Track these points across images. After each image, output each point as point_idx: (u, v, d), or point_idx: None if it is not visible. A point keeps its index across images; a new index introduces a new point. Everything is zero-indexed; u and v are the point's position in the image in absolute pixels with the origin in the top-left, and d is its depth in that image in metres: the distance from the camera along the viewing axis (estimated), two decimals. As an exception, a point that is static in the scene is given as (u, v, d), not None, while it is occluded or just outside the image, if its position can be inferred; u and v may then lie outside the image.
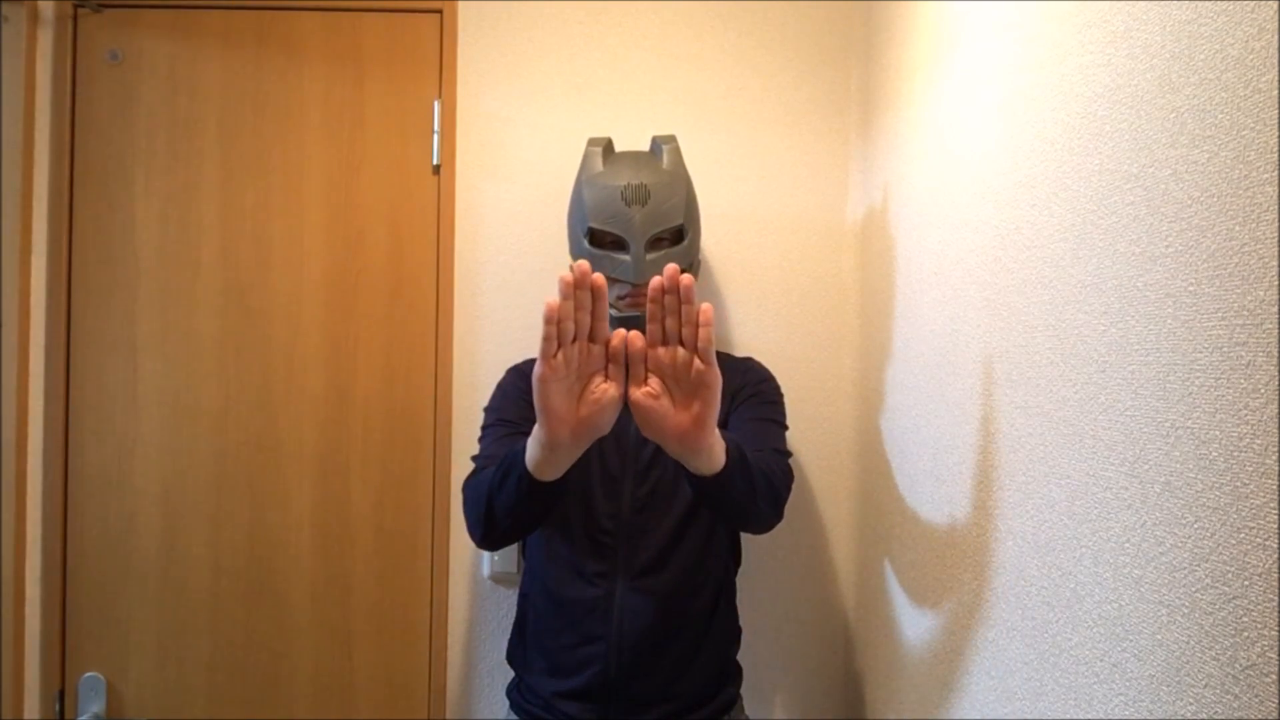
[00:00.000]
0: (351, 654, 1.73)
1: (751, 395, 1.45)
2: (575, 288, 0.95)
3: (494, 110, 1.75)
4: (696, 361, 0.97)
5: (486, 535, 1.24)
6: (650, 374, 0.99)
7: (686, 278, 0.97)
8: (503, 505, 1.16)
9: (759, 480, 1.16)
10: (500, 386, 1.48)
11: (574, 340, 0.97)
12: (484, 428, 1.42)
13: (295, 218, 1.73)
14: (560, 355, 0.96)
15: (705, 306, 0.98)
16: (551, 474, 1.09)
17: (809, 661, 1.75)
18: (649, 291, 0.98)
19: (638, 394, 0.99)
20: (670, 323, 0.98)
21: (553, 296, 0.94)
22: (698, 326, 0.97)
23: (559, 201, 1.57)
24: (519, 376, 1.47)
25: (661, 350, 0.99)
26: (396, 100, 1.74)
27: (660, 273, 1.41)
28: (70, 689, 1.71)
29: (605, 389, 0.99)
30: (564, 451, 1.05)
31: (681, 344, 0.98)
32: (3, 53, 1.66)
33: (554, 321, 0.95)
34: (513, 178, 1.75)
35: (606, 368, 0.99)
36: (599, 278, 0.96)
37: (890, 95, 1.55)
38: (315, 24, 1.74)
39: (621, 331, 0.99)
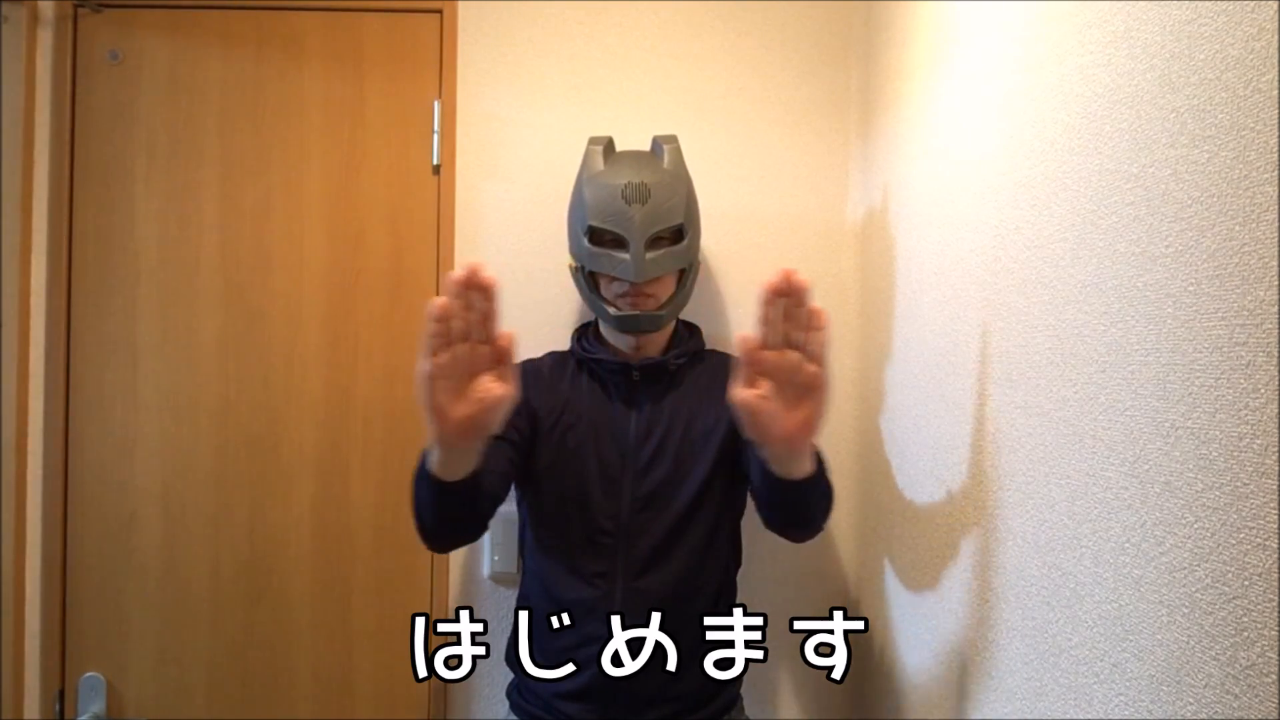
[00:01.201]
0: (351, 654, 1.73)
1: None
2: (464, 287, 0.94)
3: (494, 110, 1.75)
4: (808, 364, 0.97)
5: (426, 538, 1.22)
6: (760, 376, 0.98)
7: (802, 279, 0.97)
8: (422, 507, 1.15)
9: (828, 489, 1.17)
10: None
11: (464, 339, 0.96)
12: None
13: (295, 218, 1.73)
14: (447, 354, 0.96)
15: (821, 310, 0.97)
16: (453, 474, 1.07)
17: (809, 661, 1.75)
18: (764, 293, 0.97)
19: (749, 395, 0.97)
20: (784, 326, 0.97)
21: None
22: (812, 330, 0.97)
23: (559, 201, 1.57)
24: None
25: (771, 353, 0.98)
26: (396, 100, 1.74)
27: (659, 272, 1.42)
28: (70, 689, 1.71)
29: (490, 388, 0.97)
30: (456, 451, 1.04)
31: (792, 346, 0.97)
32: (3, 53, 1.66)
33: (441, 320, 0.94)
34: (513, 178, 1.75)
35: (495, 367, 0.98)
36: (488, 277, 0.95)
37: (890, 95, 1.55)
38: (315, 24, 1.74)
39: (510, 332, 0.98)
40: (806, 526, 1.26)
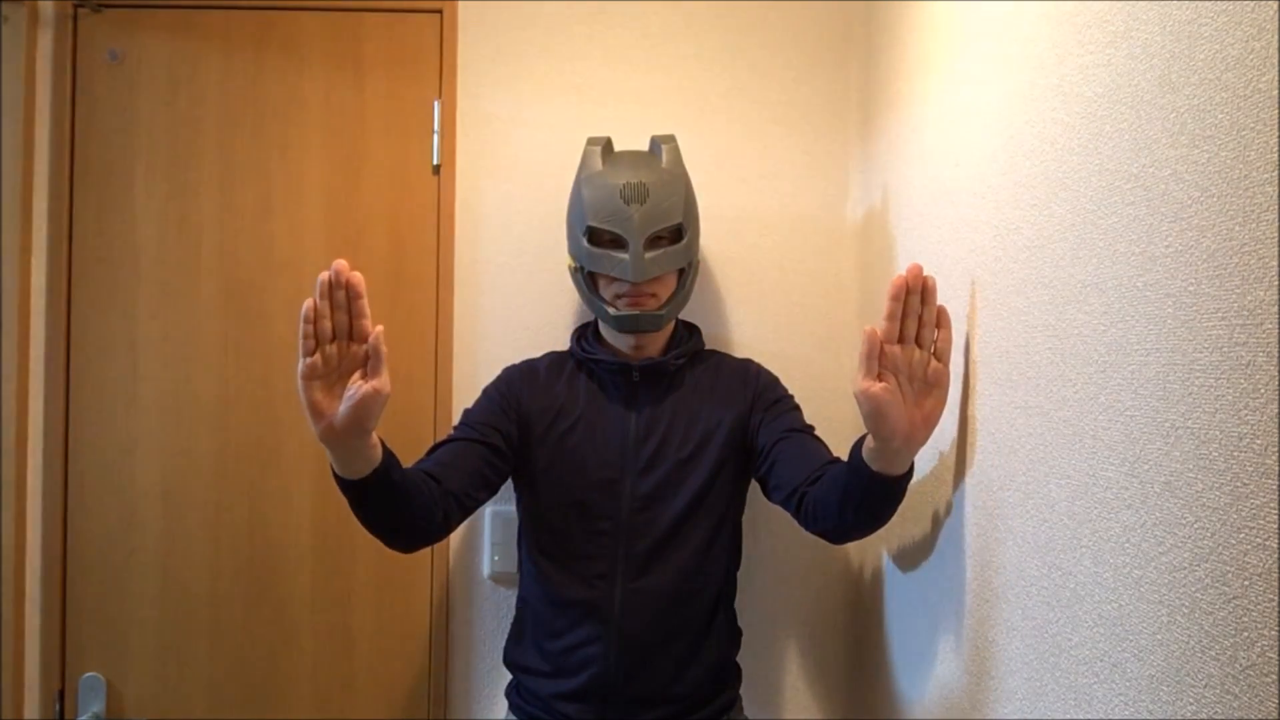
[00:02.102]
0: (351, 654, 1.73)
1: (775, 402, 1.44)
2: (332, 288, 0.96)
3: (494, 110, 1.75)
4: (933, 361, 1.00)
5: (379, 538, 1.22)
6: (884, 370, 1.01)
7: (931, 277, 0.98)
8: (350, 506, 1.15)
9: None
10: (486, 389, 1.48)
11: (334, 340, 0.98)
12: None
13: (295, 218, 1.73)
14: (319, 355, 0.98)
15: (944, 308, 1.00)
16: (354, 472, 1.08)
17: (809, 661, 1.74)
18: (892, 288, 0.99)
19: (876, 388, 0.99)
20: (909, 323, 0.99)
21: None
22: (939, 327, 1.00)
23: (559, 201, 1.57)
24: (505, 379, 1.48)
25: (897, 348, 1.00)
26: (396, 100, 1.74)
27: (659, 272, 1.42)
28: (70, 689, 1.71)
29: (361, 386, 0.99)
30: (341, 449, 1.04)
31: (918, 343, 1.00)
32: (3, 53, 1.66)
33: (311, 321, 0.96)
34: (513, 178, 1.75)
35: (366, 364, 1.00)
36: (355, 276, 0.97)
37: (890, 95, 1.54)
38: (315, 24, 1.74)
39: (378, 329, 0.99)
40: (877, 525, 1.21)
